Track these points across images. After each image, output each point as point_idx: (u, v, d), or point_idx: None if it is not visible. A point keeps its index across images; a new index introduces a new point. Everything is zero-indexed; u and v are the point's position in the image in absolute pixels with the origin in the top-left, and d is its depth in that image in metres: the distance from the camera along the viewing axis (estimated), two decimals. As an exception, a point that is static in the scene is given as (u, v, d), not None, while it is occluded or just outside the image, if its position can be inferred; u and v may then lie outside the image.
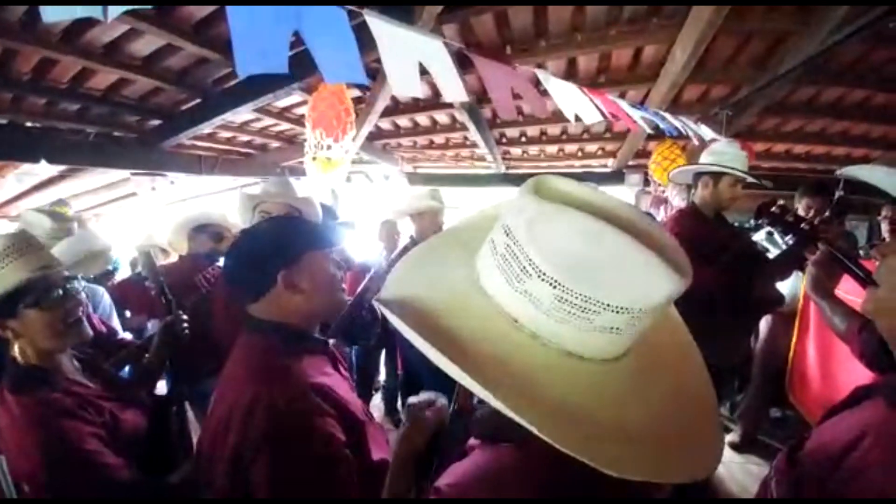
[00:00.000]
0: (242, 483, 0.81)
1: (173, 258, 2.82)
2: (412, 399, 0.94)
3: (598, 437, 0.47)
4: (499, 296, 0.54)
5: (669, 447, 0.50)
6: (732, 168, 2.07)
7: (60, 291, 1.13)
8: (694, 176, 2.23)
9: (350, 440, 0.88)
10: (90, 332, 1.20)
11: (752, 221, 2.08)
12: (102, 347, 1.65)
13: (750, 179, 2.12)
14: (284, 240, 1.01)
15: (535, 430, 0.44)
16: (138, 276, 2.46)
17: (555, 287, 0.48)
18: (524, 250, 0.50)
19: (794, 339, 2.62)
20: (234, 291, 1.05)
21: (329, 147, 3.22)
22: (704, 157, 2.20)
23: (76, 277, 1.20)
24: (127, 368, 1.94)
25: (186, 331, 1.55)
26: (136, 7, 1.09)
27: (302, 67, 1.30)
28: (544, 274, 0.49)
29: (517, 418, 0.44)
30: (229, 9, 1.13)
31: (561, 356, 0.51)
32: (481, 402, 0.69)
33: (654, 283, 0.47)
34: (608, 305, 0.47)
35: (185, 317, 1.56)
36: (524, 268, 0.50)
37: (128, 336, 2.44)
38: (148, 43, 2.70)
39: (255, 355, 0.95)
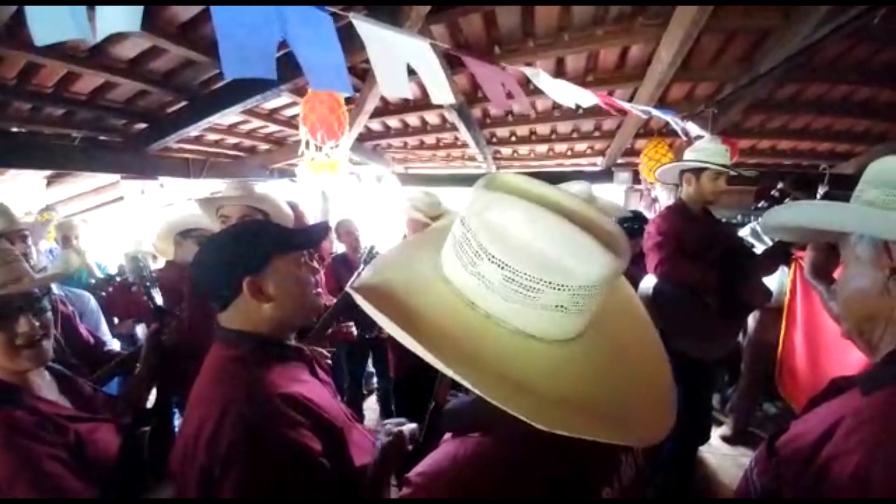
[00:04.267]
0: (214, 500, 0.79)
1: (160, 263, 2.78)
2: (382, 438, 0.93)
3: (544, 404, 0.50)
4: (457, 280, 0.58)
5: (621, 416, 0.54)
6: (712, 162, 2.10)
7: (21, 309, 1.07)
8: (679, 173, 2.26)
9: (328, 448, 0.87)
10: (50, 354, 1.13)
11: (748, 228, 2.10)
12: (89, 358, 1.61)
13: (732, 172, 2.15)
14: (248, 245, 0.97)
15: (473, 389, 0.48)
16: (124, 280, 2.41)
17: (502, 268, 0.53)
18: (476, 236, 0.55)
19: (782, 333, 2.66)
20: (203, 300, 1.02)
21: (320, 149, 3.20)
22: (687, 155, 2.24)
23: (45, 294, 1.14)
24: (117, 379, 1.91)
25: (175, 337, 1.51)
26: (125, 30, 1.08)
27: (290, 69, 1.29)
28: (493, 256, 0.53)
29: (460, 379, 0.48)
30: (214, 10, 1.11)
31: (514, 335, 0.55)
32: (453, 395, 0.74)
33: (589, 263, 0.51)
34: (549, 283, 0.52)
35: (174, 322, 1.53)
36: (476, 252, 0.55)
37: (116, 344, 2.42)
38: (133, 45, 2.67)
39: (224, 367, 0.92)
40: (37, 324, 1.09)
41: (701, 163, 2.12)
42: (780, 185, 1.83)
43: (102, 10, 1.06)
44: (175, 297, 1.87)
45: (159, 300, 1.59)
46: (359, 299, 0.57)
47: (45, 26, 1.02)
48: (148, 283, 1.54)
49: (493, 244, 0.54)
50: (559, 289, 0.52)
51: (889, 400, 0.60)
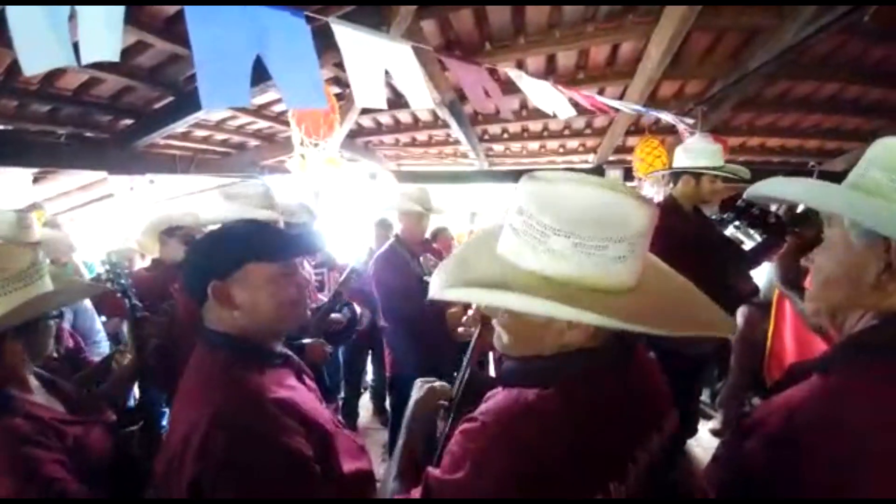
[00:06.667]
0: None
1: (147, 262, 2.75)
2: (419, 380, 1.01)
3: (628, 318, 0.60)
4: (529, 262, 0.66)
5: (686, 320, 0.69)
6: (713, 169, 2.07)
7: (46, 323, 1.13)
8: (673, 174, 2.25)
9: (318, 453, 0.86)
10: (49, 349, 1.18)
11: (718, 215, 2.10)
12: (68, 362, 1.60)
13: (732, 176, 2.13)
14: (220, 249, 0.94)
15: (572, 316, 0.60)
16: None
17: (569, 237, 0.63)
18: (538, 219, 0.65)
19: (770, 329, 2.68)
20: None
21: (316, 144, 3.18)
22: (680, 155, 2.22)
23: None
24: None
25: (152, 336, 1.51)
26: (106, 59, 1.16)
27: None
28: (559, 230, 0.63)
29: (557, 312, 0.60)
30: (194, 42, 1.16)
31: (591, 293, 0.64)
32: (507, 357, 0.80)
33: (633, 215, 0.63)
34: (612, 238, 0.62)
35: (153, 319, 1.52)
36: (542, 231, 0.64)
37: (106, 344, 2.40)
38: (118, 41, 2.62)
39: (210, 371, 0.90)
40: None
41: (706, 170, 2.09)
42: (744, 196, 1.85)
43: (85, 40, 1.13)
44: (160, 296, 1.84)
45: (134, 299, 1.58)
46: (454, 295, 0.68)
47: (33, 56, 1.09)
48: (123, 282, 1.53)
49: (556, 220, 0.63)
50: (619, 241, 0.62)
51: (845, 381, 0.61)
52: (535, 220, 0.65)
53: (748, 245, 2.00)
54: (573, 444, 0.63)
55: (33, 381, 1.14)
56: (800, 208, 2.89)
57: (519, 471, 0.61)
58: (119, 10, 1.11)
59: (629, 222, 0.63)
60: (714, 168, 2.09)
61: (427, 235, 3.05)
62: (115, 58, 1.14)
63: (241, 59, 1.21)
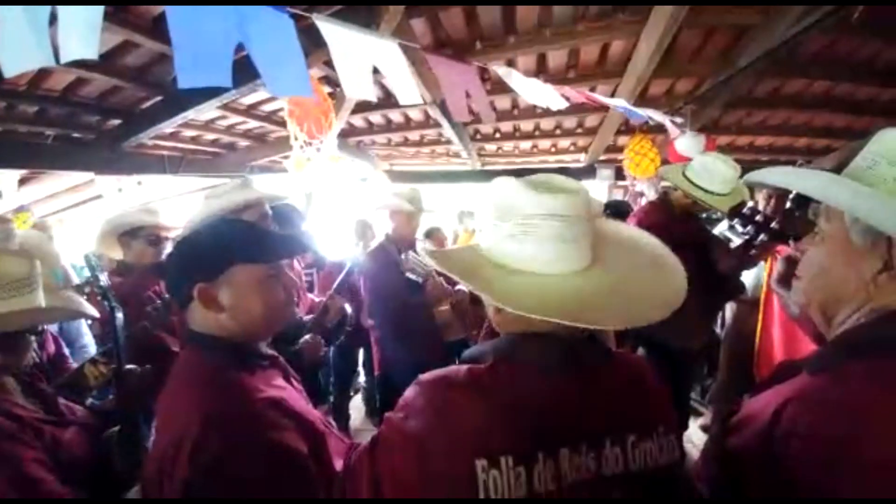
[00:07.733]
0: None
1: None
2: None
3: (566, 311, 0.66)
4: (495, 251, 0.78)
5: (629, 303, 0.73)
6: (709, 197, 1.98)
7: (27, 337, 1.14)
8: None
9: (311, 450, 0.85)
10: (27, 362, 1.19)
11: (726, 222, 2.07)
12: (43, 368, 1.58)
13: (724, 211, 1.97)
14: (206, 250, 0.92)
15: (499, 304, 0.69)
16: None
17: (512, 221, 0.75)
18: (492, 211, 0.78)
19: (759, 325, 2.70)
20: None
21: (310, 144, 3.16)
22: (693, 166, 2.08)
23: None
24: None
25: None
26: (85, 58, 1.14)
27: (261, 64, 1.28)
28: (503, 216, 0.76)
29: (491, 299, 0.71)
30: (170, 19, 1.14)
31: (537, 276, 0.73)
32: None
33: (521, 200, 0.74)
34: (502, 218, 0.75)
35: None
36: (495, 223, 0.77)
37: (90, 348, 2.37)
38: (104, 40, 2.57)
39: (198, 372, 0.88)
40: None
41: (704, 202, 1.98)
42: (750, 204, 1.84)
43: (63, 40, 1.13)
44: (136, 300, 1.81)
45: (114, 301, 1.56)
46: (435, 262, 0.80)
47: (13, 56, 1.09)
48: (102, 284, 1.51)
49: (498, 210, 0.76)
50: (505, 221, 0.74)
51: (835, 382, 0.60)
52: (489, 212, 0.79)
53: (735, 243, 2.01)
54: (472, 415, 0.67)
55: (10, 383, 1.14)
56: (788, 204, 2.93)
57: (424, 423, 0.68)
58: (98, 9, 1.10)
59: (516, 205, 0.74)
60: (710, 197, 1.98)
61: (419, 235, 3.05)
62: (94, 56, 1.13)
63: (222, 42, 1.19)
